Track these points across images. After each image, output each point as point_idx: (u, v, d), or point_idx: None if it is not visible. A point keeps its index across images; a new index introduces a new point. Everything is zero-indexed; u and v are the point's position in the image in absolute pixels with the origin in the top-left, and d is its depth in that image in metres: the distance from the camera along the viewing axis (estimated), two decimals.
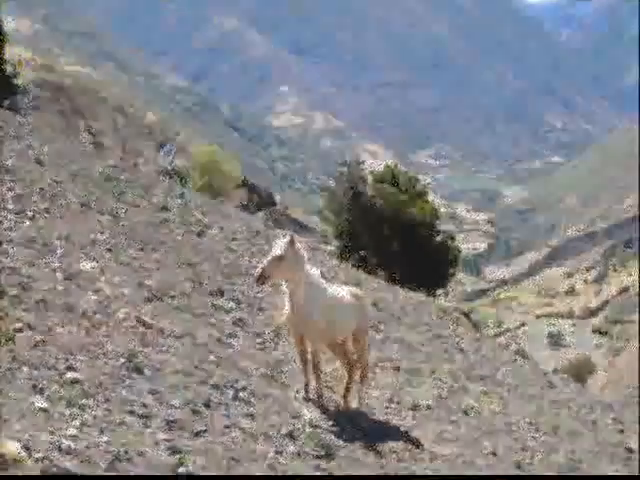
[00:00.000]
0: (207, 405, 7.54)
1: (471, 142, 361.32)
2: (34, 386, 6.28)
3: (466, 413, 11.93)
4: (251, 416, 7.88)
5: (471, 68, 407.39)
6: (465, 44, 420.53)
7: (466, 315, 27.05)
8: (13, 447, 4.96)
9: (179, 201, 18.71)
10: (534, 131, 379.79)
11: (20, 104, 31.63)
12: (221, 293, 12.18)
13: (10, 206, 11.51)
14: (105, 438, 5.86)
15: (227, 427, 7.31)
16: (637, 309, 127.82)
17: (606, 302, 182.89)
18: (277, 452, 7.27)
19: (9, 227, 10.50)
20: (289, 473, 6.95)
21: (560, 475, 10.71)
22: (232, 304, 11.83)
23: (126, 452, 5.73)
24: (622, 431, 15.36)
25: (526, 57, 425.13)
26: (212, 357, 9.03)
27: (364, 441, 8.64)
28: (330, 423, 8.72)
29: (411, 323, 17.31)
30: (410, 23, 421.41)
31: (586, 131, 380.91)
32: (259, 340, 10.81)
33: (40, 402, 5.99)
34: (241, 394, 8.27)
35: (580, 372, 70.65)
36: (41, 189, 13.18)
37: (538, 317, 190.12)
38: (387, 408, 10.58)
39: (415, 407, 11.00)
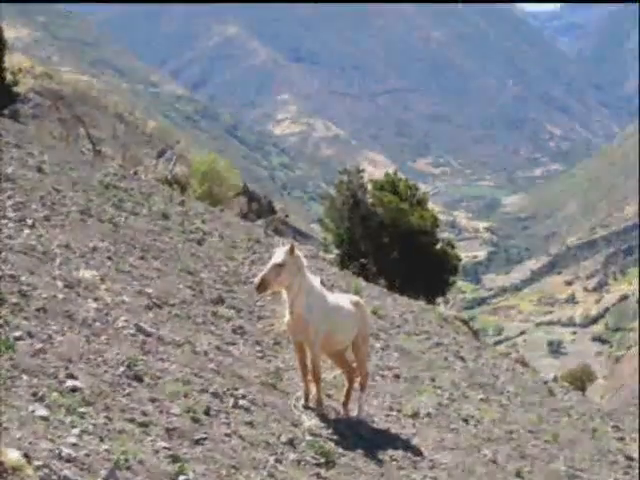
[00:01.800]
0: (207, 413, 7.53)
1: (471, 150, 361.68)
2: (34, 394, 6.27)
3: (466, 421, 11.93)
4: (251, 424, 7.87)
5: (471, 76, 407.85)
6: (464, 52, 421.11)
7: (466, 323, 27.03)
8: (13, 455, 4.95)
9: (179, 209, 18.78)
10: (534, 139, 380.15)
11: (20, 112, 31.72)
12: (221, 301, 12.19)
13: (10, 214, 11.52)
14: (105, 446, 5.85)
15: (227, 435, 7.30)
16: (637, 317, 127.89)
17: (606, 310, 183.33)
18: (277, 460, 7.25)
19: (9, 235, 10.49)
20: None
21: None
22: (232, 312, 11.84)
23: (126, 460, 5.72)
24: (622, 439, 15.36)
25: (526, 65, 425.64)
26: (212, 365, 9.02)
27: (364, 449, 8.63)
28: (330, 431, 8.71)
29: (411, 331, 17.32)
30: (410, 31, 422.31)
31: (586, 139, 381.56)
32: (259, 348, 10.81)
33: (40, 410, 5.97)
34: (241, 402, 8.26)
35: (580, 380, 70.47)
36: (41, 197, 13.20)
37: (538, 325, 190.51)
38: (387, 416, 10.57)
39: (415, 415, 10.99)
